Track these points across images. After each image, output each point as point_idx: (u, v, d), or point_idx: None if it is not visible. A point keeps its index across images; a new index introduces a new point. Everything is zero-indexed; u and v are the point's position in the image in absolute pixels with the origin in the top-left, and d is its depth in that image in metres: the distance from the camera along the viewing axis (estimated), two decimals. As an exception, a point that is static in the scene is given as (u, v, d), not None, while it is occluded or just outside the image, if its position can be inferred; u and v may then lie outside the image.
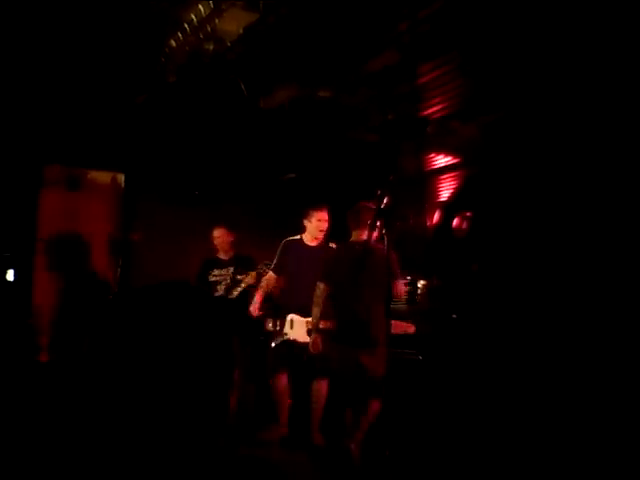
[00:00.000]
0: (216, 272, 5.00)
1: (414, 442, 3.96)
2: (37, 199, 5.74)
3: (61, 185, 5.88)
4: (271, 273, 4.63)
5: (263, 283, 4.66)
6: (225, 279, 4.94)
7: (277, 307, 4.64)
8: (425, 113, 5.29)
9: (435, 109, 5.20)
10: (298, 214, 4.91)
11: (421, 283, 5.17)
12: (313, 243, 4.55)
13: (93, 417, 4.23)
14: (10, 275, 5.56)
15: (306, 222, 4.53)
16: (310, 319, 4.25)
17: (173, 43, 4.04)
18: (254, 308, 4.57)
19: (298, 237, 4.60)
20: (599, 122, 4.19)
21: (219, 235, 5.02)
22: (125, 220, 6.12)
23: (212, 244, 5.10)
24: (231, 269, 4.96)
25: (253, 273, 4.79)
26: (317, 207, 4.49)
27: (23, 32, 3.96)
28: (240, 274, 4.85)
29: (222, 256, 5.06)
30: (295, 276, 4.54)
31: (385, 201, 3.80)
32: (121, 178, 6.21)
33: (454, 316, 4.81)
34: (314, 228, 4.49)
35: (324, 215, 4.47)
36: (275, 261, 4.61)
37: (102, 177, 6.13)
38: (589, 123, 4.27)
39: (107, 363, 4.98)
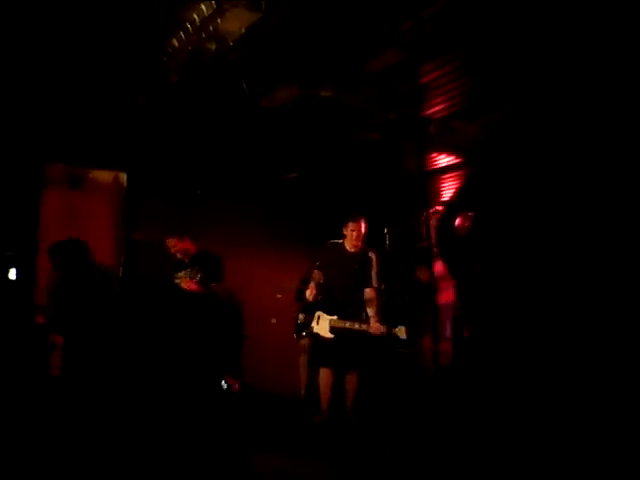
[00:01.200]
0: (178, 274, 5.11)
1: (416, 443, 3.96)
2: (39, 198, 5.74)
3: (63, 184, 5.88)
4: (317, 270, 5.04)
5: (315, 275, 5.05)
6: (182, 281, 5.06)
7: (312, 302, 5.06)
8: (428, 112, 5.28)
9: (438, 108, 5.20)
10: (302, 213, 5.01)
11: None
12: (352, 250, 4.91)
13: (94, 413, 4.24)
14: (12, 274, 5.56)
15: (344, 231, 4.92)
16: (334, 317, 4.78)
17: (175, 43, 4.04)
18: (309, 293, 4.97)
19: (341, 241, 4.97)
20: (603, 121, 4.18)
21: (173, 244, 5.15)
22: (127, 219, 6.12)
23: (169, 251, 5.21)
24: (189, 270, 5.06)
25: (181, 273, 5.01)
26: (353, 218, 4.89)
27: (26, 31, 3.95)
28: (198, 275, 4.97)
29: (180, 255, 5.18)
30: (330, 277, 4.96)
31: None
32: (123, 177, 6.20)
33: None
34: (350, 237, 4.88)
35: (357, 226, 4.85)
36: (320, 259, 5.05)
37: (104, 176, 6.12)
38: (593, 122, 4.26)
39: (108, 359, 4.98)
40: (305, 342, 5.98)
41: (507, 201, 4.94)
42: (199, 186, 6.29)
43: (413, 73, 4.51)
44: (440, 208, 4.57)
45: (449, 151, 5.96)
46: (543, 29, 3.73)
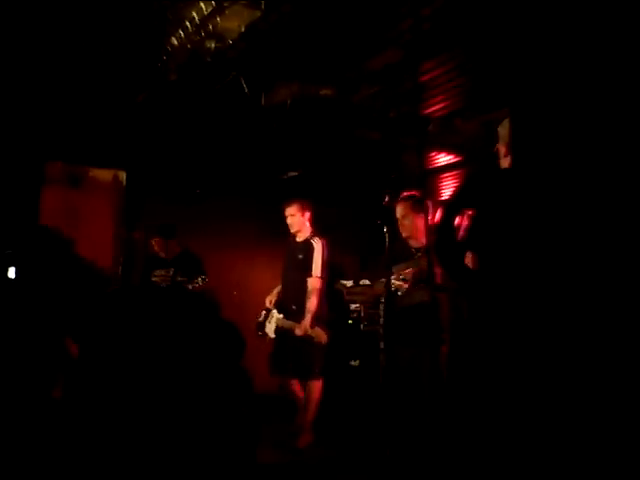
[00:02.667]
0: (157, 272, 5.03)
1: (414, 442, 3.95)
2: (38, 196, 5.74)
3: (62, 182, 5.88)
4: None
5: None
6: (166, 280, 4.95)
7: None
8: (427, 111, 5.28)
9: (437, 107, 5.19)
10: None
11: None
12: (299, 239, 4.67)
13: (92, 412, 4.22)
14: (11, 273, 5.54)
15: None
16: (281, 316, 4.52)
17: (174, 41, 4.03)
18: (268, 299, 4.74)
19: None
20: (603, 120, 4.17)
21: (157, 244, 5.12)
22: (127, 218, 6.12)
23: (153, 250, 5.19)
24: (171, 270, 4.97)
25: (161, 272, 4.97)
26: (284, 204, 4.69)
27: (24, 29, 3.94)
28: (181, 276, 4.85)
29: (163, 255, 5.11)
30: (283, 272, 4.75)
31: (386, 199, 3.79)
32: (123, 176, 6.21)
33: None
34: (288, 225, 4.68)
35: (288, 211, 4.63)
36: None
37: (104, 175, 6.13)
38: (593, 121, 4.25)
39: (104, 357, 4.95)
40: None
41: (507, 200, 4.93)
42: (199, 184, 6.29)
43: (413, 72, 4.50)
44: (410, 193, 3.99)
45: (449, 150, 5.96)
46: (543, 27, 3.72)
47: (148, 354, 4.67)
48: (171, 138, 5.81)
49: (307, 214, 4.66)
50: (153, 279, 5.02)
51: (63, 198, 5.83)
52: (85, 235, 5.85)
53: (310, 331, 4.26)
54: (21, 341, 4.77)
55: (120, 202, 6.14)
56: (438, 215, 6.13)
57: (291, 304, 4.53)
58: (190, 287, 4.80)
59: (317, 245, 4.56)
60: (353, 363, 5.27)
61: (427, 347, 3.55)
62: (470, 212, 5.47)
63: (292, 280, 4.59)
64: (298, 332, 4.29)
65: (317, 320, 4.38)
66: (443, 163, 6.22)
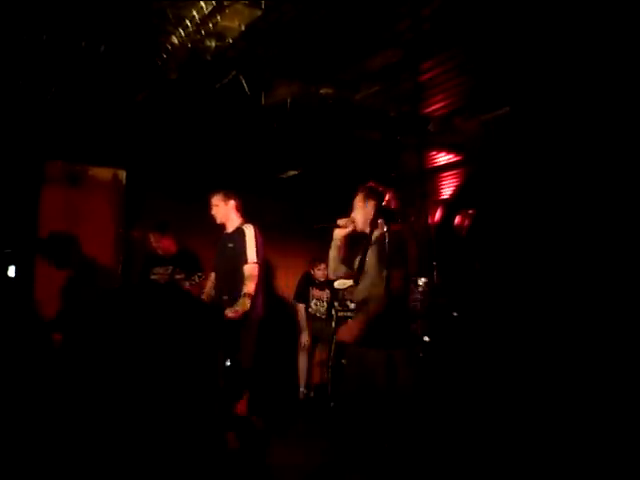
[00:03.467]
0: (156, 270, 5.05)
1: (414, 438, 3.96)
2: (38, 195, 5.74)
3: (62, 181, 5.88)
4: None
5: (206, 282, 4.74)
6: (164, 277, 4.96)
7: None
8: (427, 110, 5.28)
9: (437, 106, 5.20)
10: (302, 211, 4.94)
11: (422, 281, 5.18)
12: (229, 230, 4.53)
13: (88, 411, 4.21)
14: (11, 271, 5.55)
15: None
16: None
17: (175, 40, 4.03)
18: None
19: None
20: (601, 119, 4.19)
21: (154, 240, 5.11)
22: (127, 217, 6.12)
23: (152, 248, 5.18)
24: (170, 268, 4.99)
25: (160, 270, 4.96)
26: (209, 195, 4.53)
27: (23, 28, 3.94)
28: (178, 274, 4.85)
29: (160, 252, 5.13)
30: (216, 269, 4.59)
31: (387, 198, 3.75)
32: (122, 174, 6.21)
33: (455, 314, 4.81)
34: None
35: (213, 202, 4.53)
36: None
37: (103, 173, 6.13)
38: (592, 120, 4.27)
39: (103, 355, 4.94)
40: (306, 340, 5.98)
41: (507, 198, 4.95)
42: (199, 183, 6.29)
43: (412, 71, 4.51)
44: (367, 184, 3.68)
45: (448, 149, 5.96)
46: (542, 26, 3.73)
47: (144, 352, 4.68)
48: (171, 137, 5.82)
49: (231, 202, 4.50)
50: (152, 277, 5.04)
51: (63, 197, 5.84)
52: (85, 234, 5.84)
53: (238, 310, 4.02)
54: (22, 340, 4.78)
55: (120, 201, 6.14)
56: (438, 214, 6.16)
57: (222, 295, 4.31)
58: (187, 284, 4.79)
59: (248, 230, 4.37)
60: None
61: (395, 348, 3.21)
62: (471, 212, 5.50)
63: (224, 271, 4.36)
64: (230, 314, 4.05)
65: (250, 320, 4.22)
66: (443, 162, 6.23)
